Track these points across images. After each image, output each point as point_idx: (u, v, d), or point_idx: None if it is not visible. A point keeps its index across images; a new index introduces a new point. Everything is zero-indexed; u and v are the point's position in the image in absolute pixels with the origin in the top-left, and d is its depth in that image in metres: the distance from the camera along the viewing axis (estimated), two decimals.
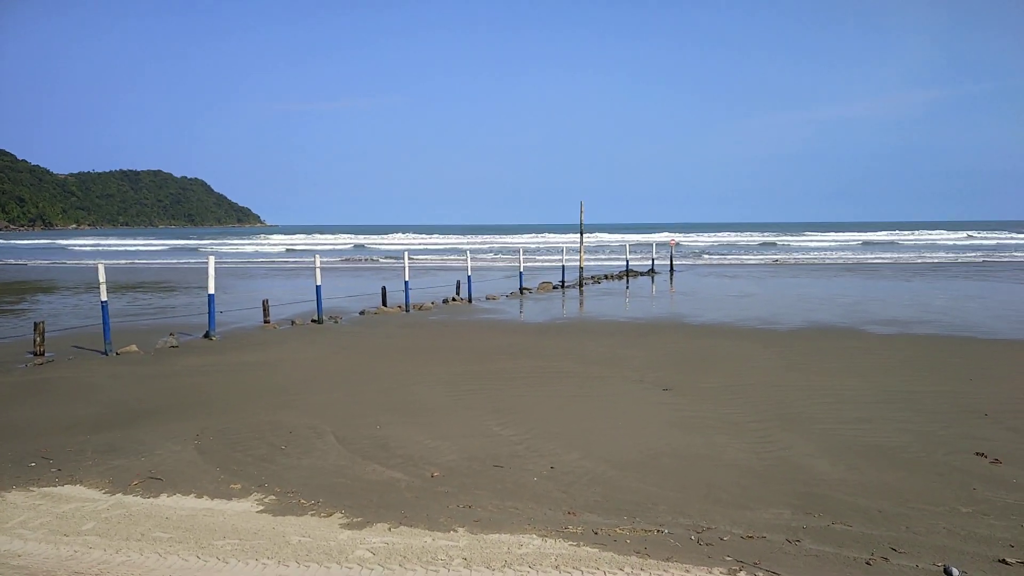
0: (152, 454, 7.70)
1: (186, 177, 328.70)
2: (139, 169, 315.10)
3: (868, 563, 5.01)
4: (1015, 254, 54.09)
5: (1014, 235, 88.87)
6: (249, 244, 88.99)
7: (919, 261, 47.65)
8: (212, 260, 16.93)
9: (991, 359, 12.70)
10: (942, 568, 4.79)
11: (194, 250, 76.94)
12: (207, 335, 15.95)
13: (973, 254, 54.60)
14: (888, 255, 55.43)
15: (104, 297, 14.42)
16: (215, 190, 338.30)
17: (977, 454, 7.40)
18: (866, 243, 76.12)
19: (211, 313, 16.16)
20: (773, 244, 76.49)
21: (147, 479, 6.94)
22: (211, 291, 16.41)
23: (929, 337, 15.33)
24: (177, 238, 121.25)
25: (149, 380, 11.60)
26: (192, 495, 6.54)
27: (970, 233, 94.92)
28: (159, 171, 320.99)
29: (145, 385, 11.24)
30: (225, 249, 75.40)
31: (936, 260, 48.39)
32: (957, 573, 4.68)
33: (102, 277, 14.51)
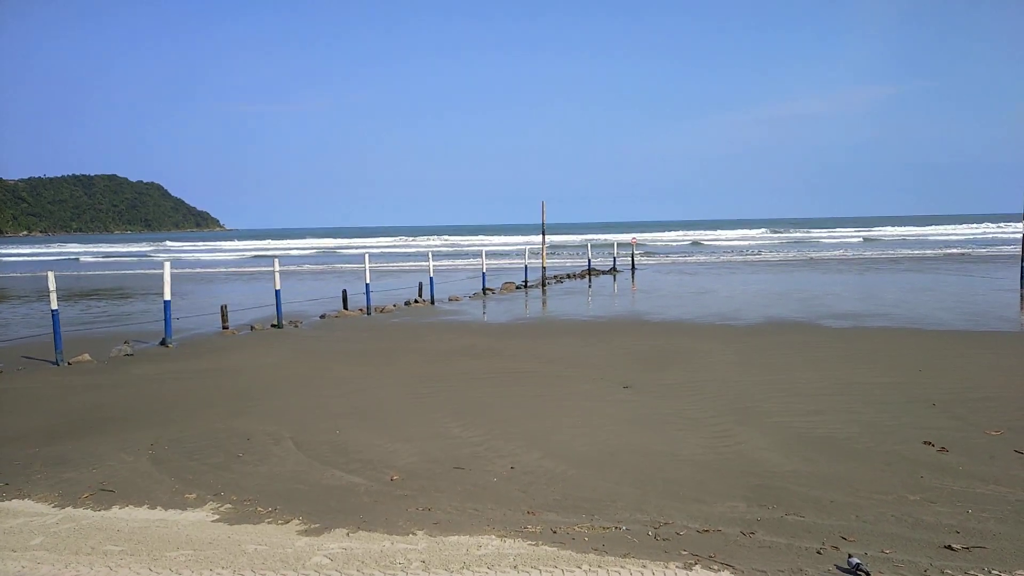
0: (104, 466, 7.54)
1: (142, 181, 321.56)
2: (93, 174, 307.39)
3: (819, 552, 5.12)
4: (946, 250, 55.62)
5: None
6: (200, 253, 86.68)
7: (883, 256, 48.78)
8: (168, 266, 16.62)
9: (939, 350, 13.05)
10: (846, 558, 4.92)
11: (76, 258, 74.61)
12: (163, 342, 15.66)
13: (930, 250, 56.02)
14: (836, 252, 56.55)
15: (54, 305, 14.06)
16: (172, 194, 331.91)
17: (925, 443, 7.60)
18: (866, 239, 76.80)
19: (167, 320, 15.88)
20: (698, 244, 77.45)
21: (98, 491, 6.79)
22: (167, 297, 16.12)
23: (881, 330, 15.70)
24: (130, 243, 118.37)
25: (102, 390, 11.35)
26: (145, 506, 6.42)
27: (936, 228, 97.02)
28: (114, 175, 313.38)
29: (98, 395, 10.99)
30: (166, 256, 73.20)
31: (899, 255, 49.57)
32: (856, 561, 4.81)
33: (52, 285, 14.16)
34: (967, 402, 9.24)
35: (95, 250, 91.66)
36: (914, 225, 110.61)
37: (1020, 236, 25.23)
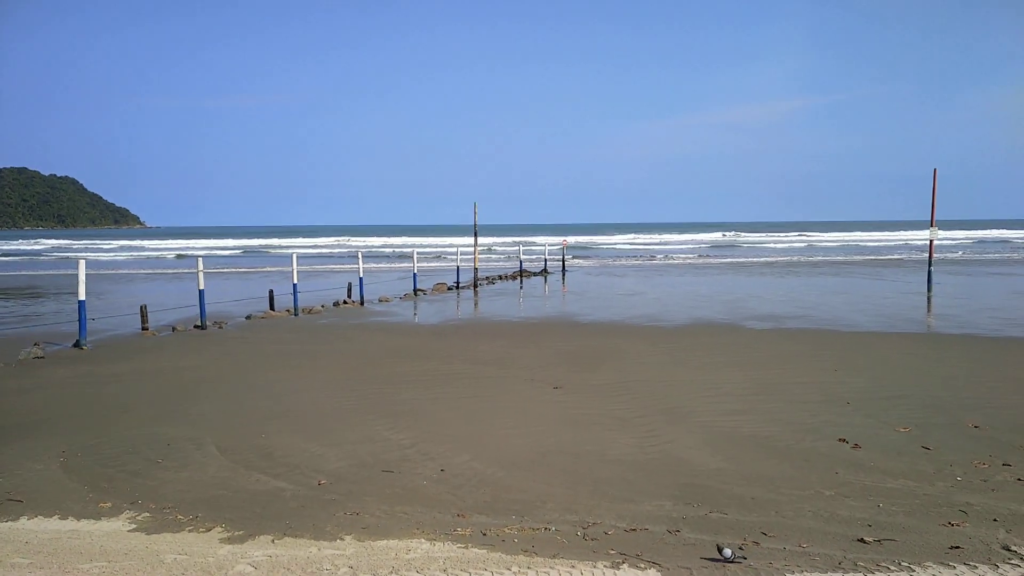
0: (11, 475, 7.15)
1: (55, 175, 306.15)
2: (0, 167, 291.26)
3: (740, 548, 5.27)
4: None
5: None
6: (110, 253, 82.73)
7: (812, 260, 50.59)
8: (83, 264, 15.91)
9: (853, 350, 13.65)
10: (715, 546, 5.12)
11: None
12: (77, 344, 14.98)
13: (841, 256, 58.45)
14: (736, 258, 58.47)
15: None
16: (88, 189, 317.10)
17: (840, 440, 7.93)
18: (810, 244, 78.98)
19: (82, 320, 15.19)
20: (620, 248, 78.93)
21: (5, 501, 6.44)
22: (82, 297, 15.42)
23: (800, 331, 16.30)
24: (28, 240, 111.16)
25: (9, 395, 10.77)
26: (56, 517, 6.12)
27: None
28: (24, 168, 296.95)
29: (4, 400, 10.42)
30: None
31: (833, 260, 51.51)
32: (729, 553, 5.01)
33: None
34: (878, 400, 9.69)
35: None
36: (858, 230, 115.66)
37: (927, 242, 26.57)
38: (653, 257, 57.08)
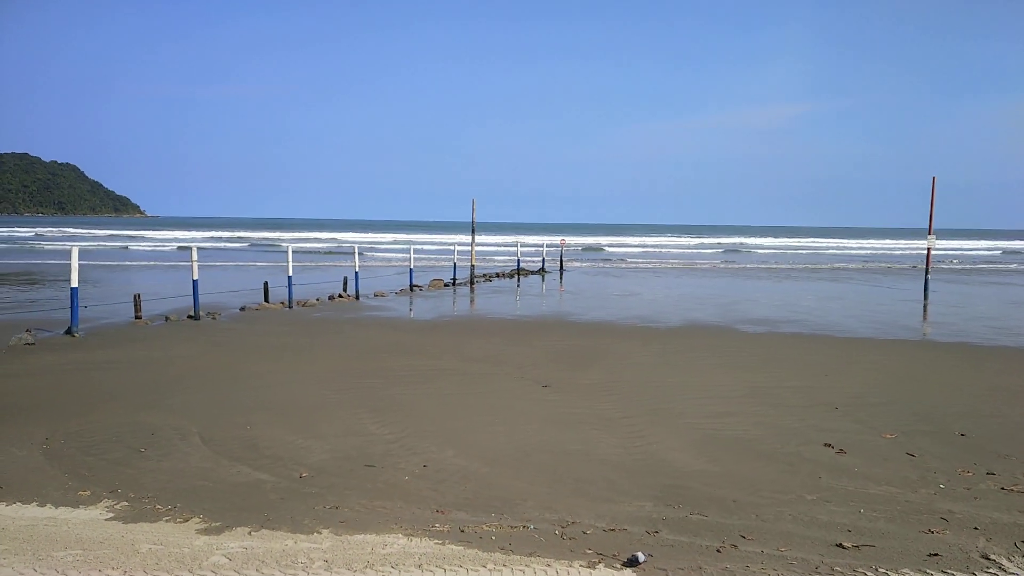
0: None
1: (56, 162, 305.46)
2: (1, 151, 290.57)
3: (718, 551, 5.25)
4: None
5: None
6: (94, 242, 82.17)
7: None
8: (75, 251, 15.88)
9: (845, 355, 13.62)
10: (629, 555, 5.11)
11: None
12: (69, 331, 14.94)
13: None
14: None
15: None
16: (89, 177, 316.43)
17: (825, 445, 7.91)
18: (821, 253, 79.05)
19: (74, 307, 15.16)
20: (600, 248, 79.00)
21: None
22: (74, 284, 15.40)
23: (793, 335, 16.28)
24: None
25: None
26: (34, 503, 6.10)
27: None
28: (25, 154, 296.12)
29: None
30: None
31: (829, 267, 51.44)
32: (643, 558, 5.00)
33: None
34: (867, 406, 9.66)
35: None
36: (844, 237, 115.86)
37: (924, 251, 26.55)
38: (654, 260, 57.06)
